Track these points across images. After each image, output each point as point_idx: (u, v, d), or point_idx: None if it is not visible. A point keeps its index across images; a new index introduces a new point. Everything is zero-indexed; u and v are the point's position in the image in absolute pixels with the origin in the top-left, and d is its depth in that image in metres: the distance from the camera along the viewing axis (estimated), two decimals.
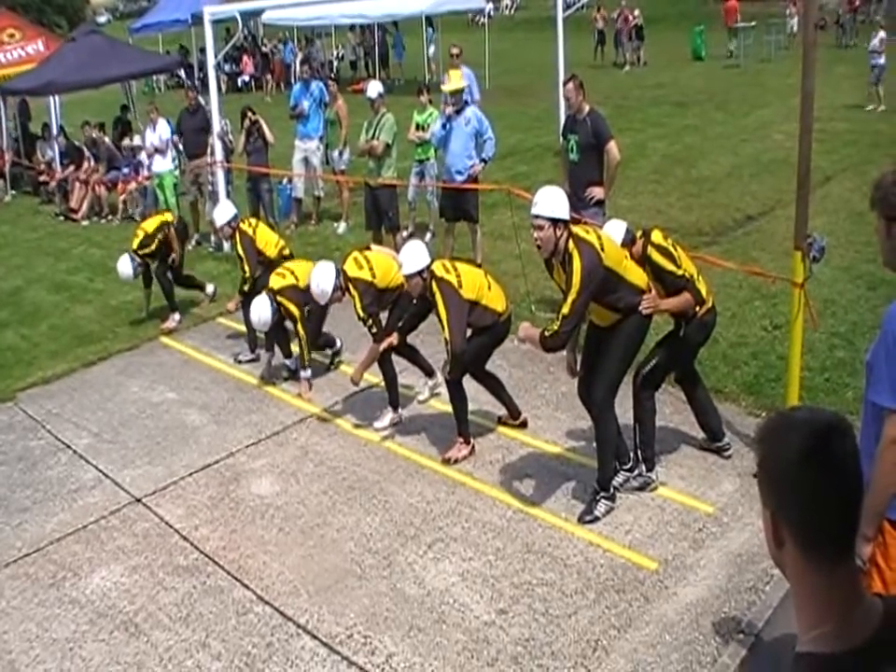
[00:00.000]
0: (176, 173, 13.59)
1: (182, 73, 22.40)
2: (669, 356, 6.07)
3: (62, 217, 15.86)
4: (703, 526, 5.65)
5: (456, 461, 6.61)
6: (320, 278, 7.33)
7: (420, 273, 6.52)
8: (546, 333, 5.32)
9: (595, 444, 5.91)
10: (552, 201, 5.45)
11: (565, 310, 5.28)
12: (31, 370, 9.22)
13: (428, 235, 11.85)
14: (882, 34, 19.32)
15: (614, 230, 6.09)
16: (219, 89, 12.95)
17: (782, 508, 1.66)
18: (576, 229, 5.51)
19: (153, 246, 9.75)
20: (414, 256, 6.56)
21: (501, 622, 4.95)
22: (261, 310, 7.89)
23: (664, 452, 6.37)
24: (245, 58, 31.03)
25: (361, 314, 7.11)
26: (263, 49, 32.35)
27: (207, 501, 6.51)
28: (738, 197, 12.74)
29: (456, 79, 10.49)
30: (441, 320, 6.38)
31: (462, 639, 4.85)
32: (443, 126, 10.12)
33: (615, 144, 8.59)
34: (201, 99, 13.28)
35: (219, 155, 12.07)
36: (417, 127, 11.58)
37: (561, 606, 5.02)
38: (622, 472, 6.01)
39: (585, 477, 6.15)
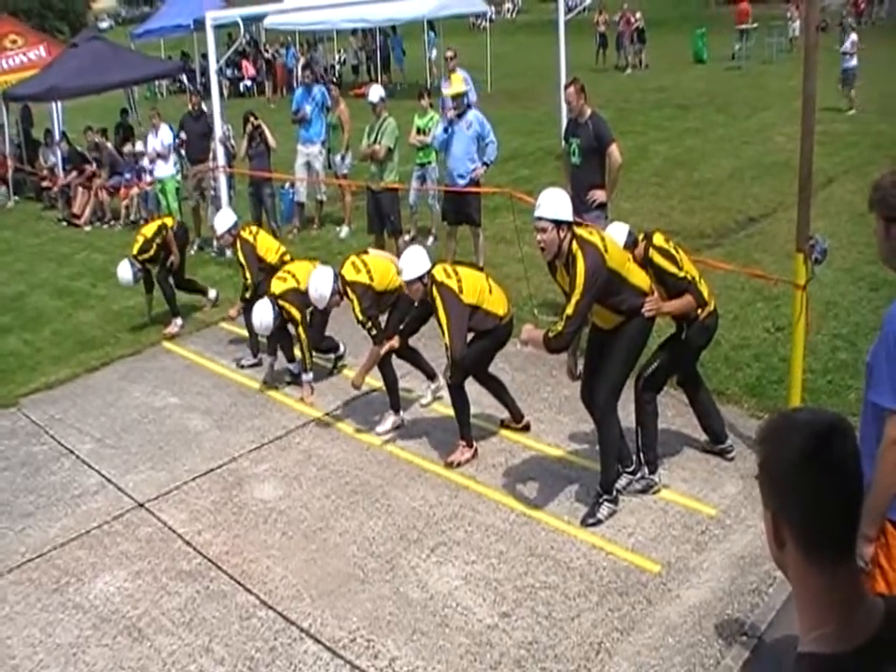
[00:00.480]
0: (178, 178, 13.61)
1: (184, 78, 22.43)
2: (671, 359, 6.07)
3: (64, 223, 15.89)
4: (705, 529, 5.64)
5: (459, 464, 6.61)
6: (318, 283, 7.35)
7: (420, 278, 6.52)
8: (550, 335, 5.31)
9: (597, 447, 5.91)
10: (554, 203, 5.44)
11: (568, 311, 5.27)
12: (34, 375, 9.23)
13: (431, 239, 11.87)
14: (853, 36, 19.14)
15: (616, 233, 6.09)
16: (221, 94, 12.96)
17: (783, 509, 1.66)
18: (579, 230, 5.50)
19: (153, 251, 9.77)
20: (414, 261, 6.55)
21: (504, 625, 4.94)
22: (263, 314, 7.90)
23: (666, 454, 6.36)
24: (245, 63, 31.06)
25: (360, 316, 7.12)
26: (265, 53, 32.38)
27: (210, 506, 6.51)
28: (740, 199, 12.74)
29: (458, 83, 10.51)
30: (441, 325, 6.38)
31: (465, 643, 4.84)
32: (445, 130, 10.13)
33: (617, 147, 8.59)
34: (204, 105, 13.32)
35: (222, 160, 12.09)
36: (418, 131, 11.60)
37: (564, 609, 5.02)
38: (625, 475, 6.00)
39: (588, 480, 6.14)
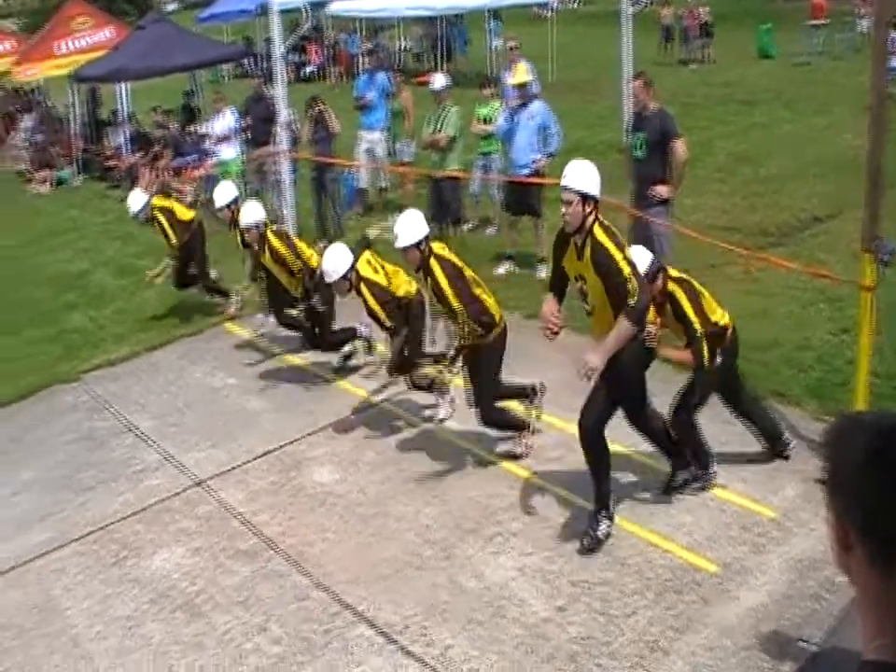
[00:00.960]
0: (242, 160, 13.72)
1: (249, 62, 22.61)
2: (701, 392, 5.81)
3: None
4: (764, 531, 5.55)
5: (525, 454, 6.51)
6: (336, 258, 6.98)
7: (418, 244, 6.15)
8: (626, 319, 4.98)
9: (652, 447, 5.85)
10: (582, 174, 5.15)
11: (630, 288, 4.96)
12: (96, 352, 9.40)
13: (492, 229, 11.81)
14: (894, 34, 18.49)
15: (639, 259, 5.62)
16: (287, 79, 13.03)
17: (848, 511, 1.63)
18: (602, 219, 5.23)
19: (166, 226, 9.68)
20: (412, 226, 6.17)
21: (559, 619, 4.93)
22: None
23: (726, 454, 6.25)
24: (311, 48, 31.23)
25: (375, 307, 6.83)
26: (329, 40, 32.50)
27: (268, 487, 6.59)
28: (806, 197, 12.48)
29: (522, 72, 10.42)
30: (439, 293, 6.04)
31: (520, 634, 4.84)
32: (508, 119, 10.09)
33: (682, 142, 8.48)
34: (264, 88, 13.40)
35: (284, 144, 12.15)
36: (483, 120, 11.51)
37: (620, 605, 4.98)
38: (681, 472, 5.92)
39: (646, 477, 6.08)
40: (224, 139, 13.46)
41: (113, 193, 17.02)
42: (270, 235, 8.22)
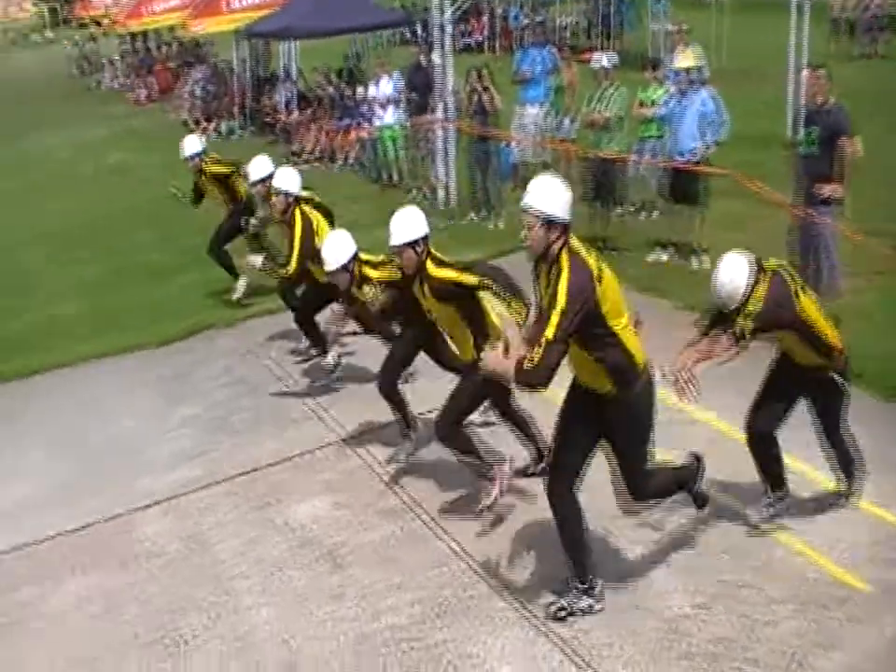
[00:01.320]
0: (401, 126, 13.86)
1: (414, 30, 22.80)
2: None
3: (285, 160, 16.51)
4: None
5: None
6: (337, 247, 6.30)
7: (413, 244, 5.38)
8: (526, 365, 4.27)
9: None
10: (547, 194, 4.42)
11: (548, 334, 4.23)
12: (257, 299, 9.72)
13: (650, 214, 11.52)
14: None
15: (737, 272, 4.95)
16: (452, 48, 13.07)
17: None
18: (576, 243, 4.48)
19: (214, 184, 9.66)
20: (408, 223, 5.42)
21: (700, 617, 4.84)
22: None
23: (882, 471, 5.97)
24: (475, 20, 31.30)
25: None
26: (495, 12, 32.44)
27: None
28: None
29: (690, 57, 10.15)
30: (443, 288, 5.36)
31: (658, 627, 4.78)
32: (672, 104, 9.87)
33: (854, 140, 8.10)
34: (422, 58, 13.48)
35: (444, 114, 12.19)
36: (650, 103, 11.28)
37: (763, 612, 4.85)
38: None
39: (798, 484, 5.86)
40: (385, 104, 13.62)
41: (274, 149, 17.48)
42: (308, 210, 7.53)
